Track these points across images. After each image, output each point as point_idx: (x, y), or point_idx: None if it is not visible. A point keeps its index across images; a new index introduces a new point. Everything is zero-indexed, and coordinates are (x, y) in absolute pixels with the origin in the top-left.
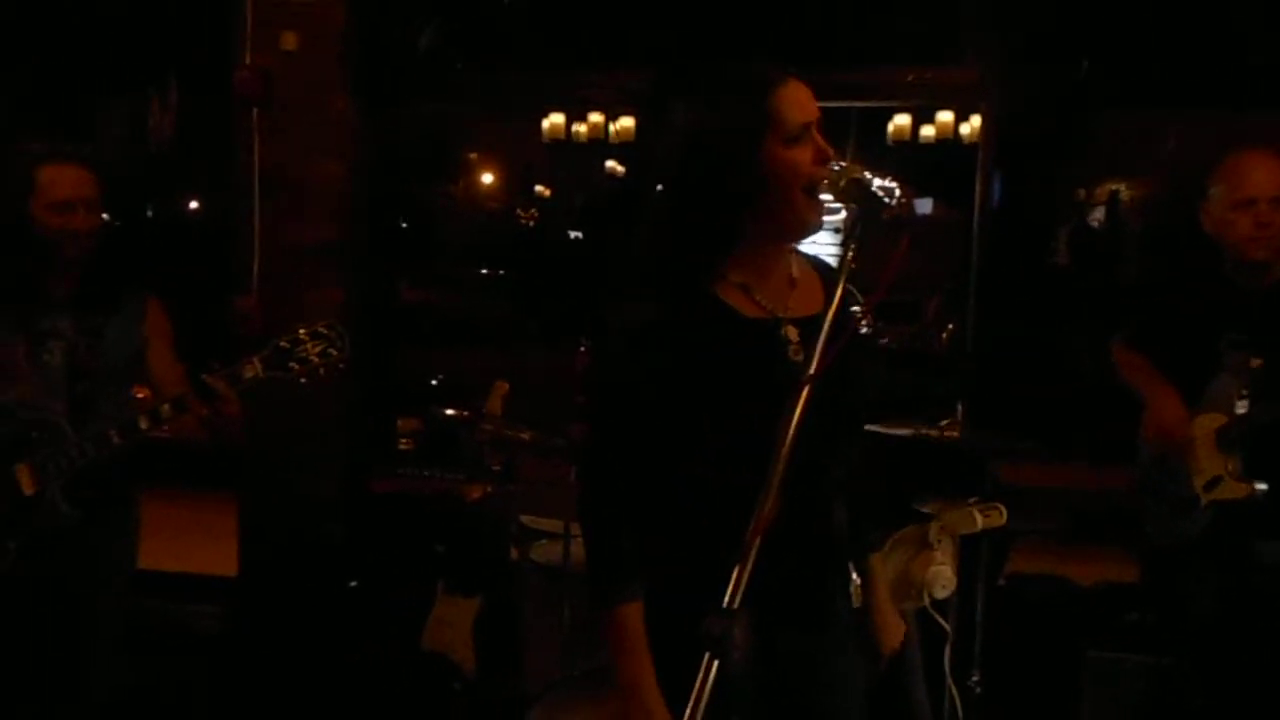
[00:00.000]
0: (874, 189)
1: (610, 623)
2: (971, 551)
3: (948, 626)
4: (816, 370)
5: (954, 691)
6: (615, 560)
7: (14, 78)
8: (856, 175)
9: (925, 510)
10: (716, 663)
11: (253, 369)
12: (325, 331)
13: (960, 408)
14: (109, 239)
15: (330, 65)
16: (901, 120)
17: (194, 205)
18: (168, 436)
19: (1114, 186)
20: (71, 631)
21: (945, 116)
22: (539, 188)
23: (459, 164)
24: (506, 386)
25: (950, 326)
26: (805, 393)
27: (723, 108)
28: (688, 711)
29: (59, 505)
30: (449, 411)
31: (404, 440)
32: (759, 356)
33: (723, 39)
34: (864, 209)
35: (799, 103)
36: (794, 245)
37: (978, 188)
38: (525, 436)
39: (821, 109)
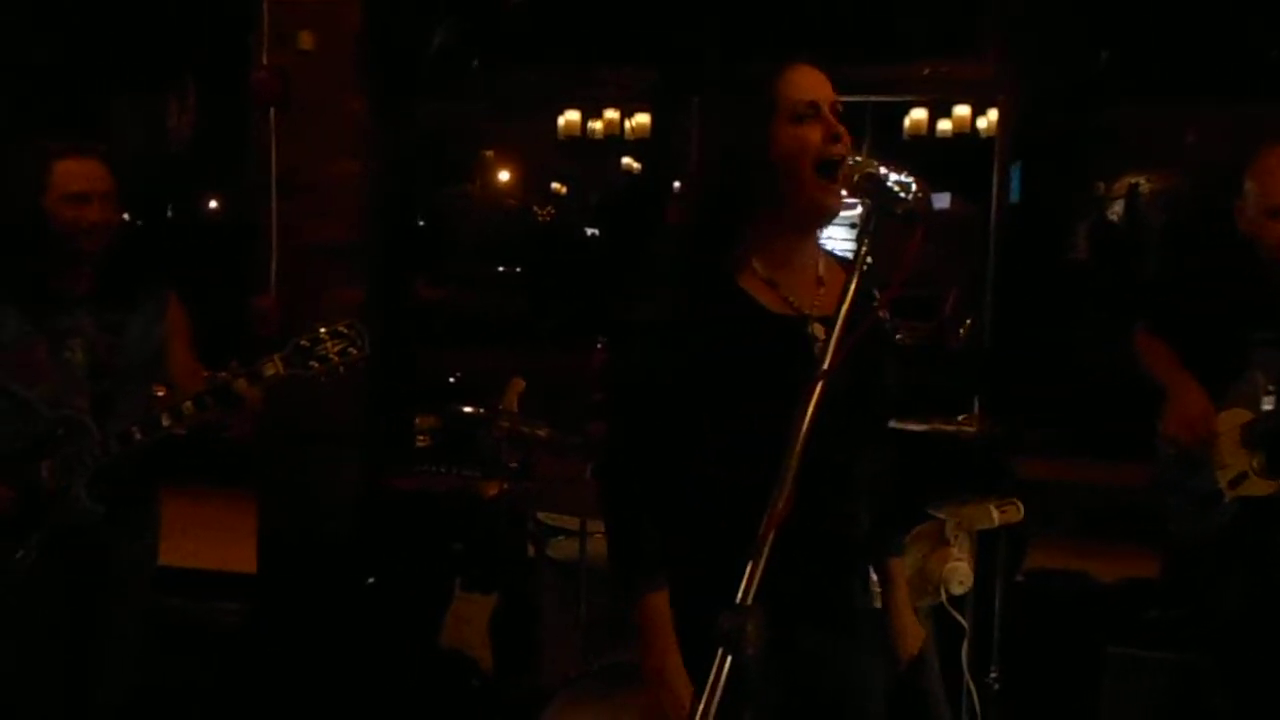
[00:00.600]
0: (889, 184)
1: (638, 612)
2: (989, 547)
3: (965, 623)
4: (830, 365)
5: (972, 688)
6: (638, 551)
7: (32, 78)
8: (871, 170)
9: (940, 515)
10: (730, 659)
11: (273, 367)
12: (345, 330)
13: (977, 403)
14: (128, 238)
15: (346, 66)
16: (918, 115)
17: (212, 205)
18: (184, 431)
19: (1133, 180)
20: (92, 627)
21: (962, 110)
22: (555, 185)
23: (475, 163)
24: (523, 384)
25: (968, 322)
26: (819, 388)
27: (732, 96)
28: (700, 706)
29: (82, 501)
30: (466, 409)
31: (421, 437)
32: (784, 353)
33: (737, 34)
34: (878, 204)
35: (805, 83)
36: (816, 236)
37: (995, 182)
38: (542, 433)
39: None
